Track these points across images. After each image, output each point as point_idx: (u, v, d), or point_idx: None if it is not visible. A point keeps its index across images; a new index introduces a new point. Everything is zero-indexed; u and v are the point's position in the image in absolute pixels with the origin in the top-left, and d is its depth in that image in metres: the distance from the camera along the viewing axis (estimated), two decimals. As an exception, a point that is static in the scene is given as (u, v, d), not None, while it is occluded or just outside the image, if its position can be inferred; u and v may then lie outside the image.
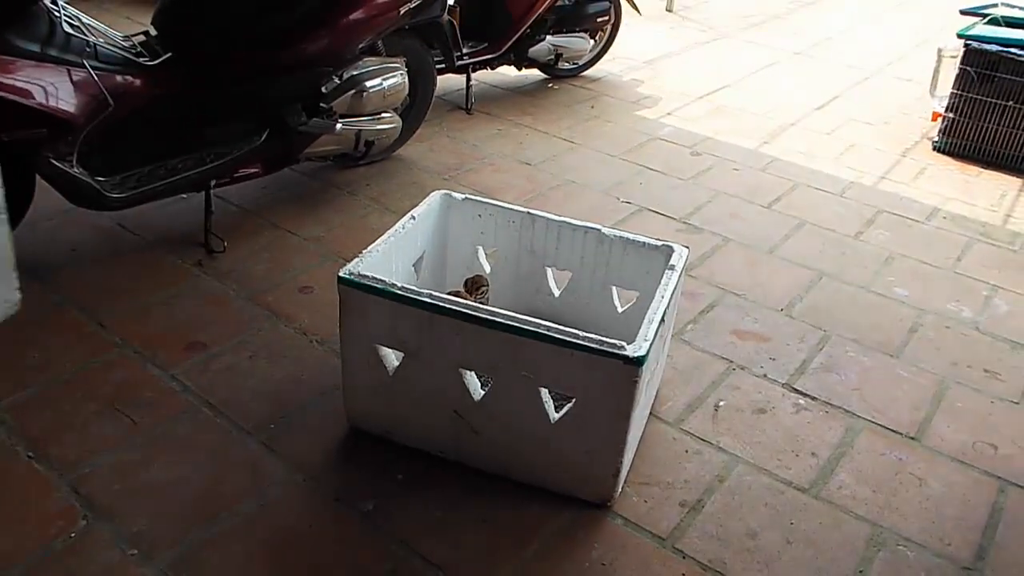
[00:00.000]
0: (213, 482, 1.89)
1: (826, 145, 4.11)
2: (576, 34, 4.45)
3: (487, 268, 2.38)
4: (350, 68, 2.95)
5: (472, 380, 1.86)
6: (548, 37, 4.32)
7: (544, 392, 1.79)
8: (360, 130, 3.05)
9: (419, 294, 1.79)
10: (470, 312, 1.76)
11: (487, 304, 2.03)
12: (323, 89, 2.88)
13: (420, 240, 2.20)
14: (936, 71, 4.30)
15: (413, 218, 2.14)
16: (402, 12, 2.94)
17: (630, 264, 2.19)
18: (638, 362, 1.67)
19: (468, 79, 4.12)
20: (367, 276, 1.84)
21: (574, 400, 1.78)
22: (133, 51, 2.51)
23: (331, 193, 3.25)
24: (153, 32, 2.65)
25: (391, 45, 3.21)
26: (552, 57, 4.42)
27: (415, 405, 1.93)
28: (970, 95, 3.92)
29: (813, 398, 2.31)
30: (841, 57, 5.64)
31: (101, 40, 2.41)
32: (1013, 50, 3.77)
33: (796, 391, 2.34)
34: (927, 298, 2.84)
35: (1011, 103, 3.82)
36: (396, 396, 1.94)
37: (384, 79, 3.04)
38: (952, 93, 3.98)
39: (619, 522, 1.86)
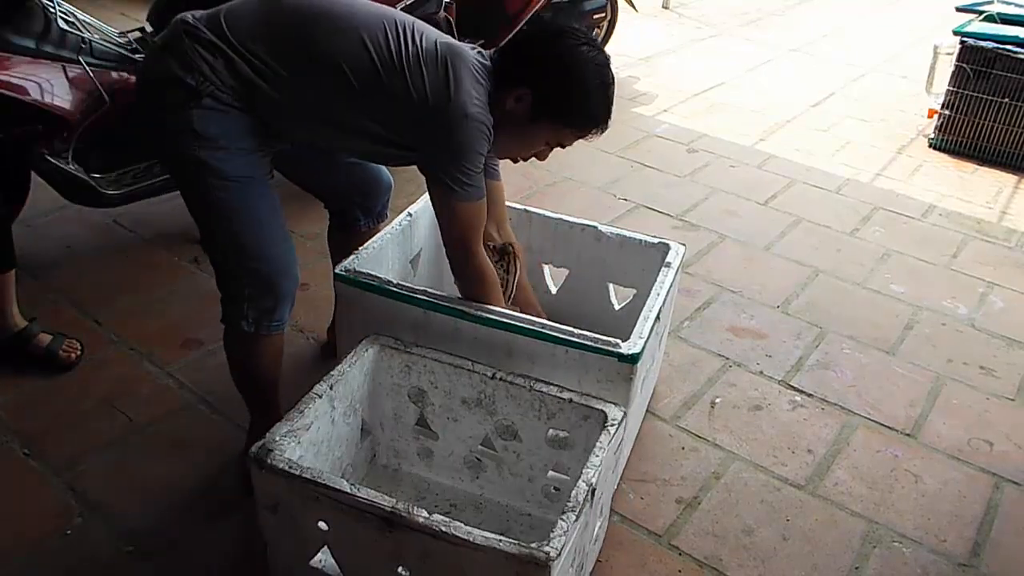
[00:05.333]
0: (210, 479, 1.89)
1: (822, 142, 4.11)
2: (573, 31, 4.44)
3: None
4: (346, 64, 2.94)
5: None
6: (545, 34, 4.30)
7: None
8: (356, 127, 3.04)
9: (415, 291, 1.79)
10: (465, 309, 1.76)
11: (515, 276, 1.94)
12: (319, 85, 2.87)
13: (417, 237, 2.19)
14: (932, 68, 4.30)
15: (410, 215, 2.14)
16: (398, 8, 2.93)
17: (627, 261, 2.19)
18: (633, 359, 1.67)
19: (465, 76, 4.10)
20: (363, 273, 1.84)
21: (570, 397, 1.78)
22: (129, 48, 2.49)
23: (327, 190, 3.23)
24: (149, 28, 2.64)
25: (387, 42, 3.19)
26: (549, 54, 4.40)
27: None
28: (966, 92, 3.92)
29: (809, 395, 2.32)
30: (837, 54, 5.65)
31: (96, 36, 2.40)
32: (1009, 47, 3.77)
33: (792, 388, 2.34)
34: (923, 295, 2.84)
35: (1007, 100, 3.83)
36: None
37: (380, 76, 3.02)
38: (948, 90, 3.98)
39: (616, 519, 1.86)
